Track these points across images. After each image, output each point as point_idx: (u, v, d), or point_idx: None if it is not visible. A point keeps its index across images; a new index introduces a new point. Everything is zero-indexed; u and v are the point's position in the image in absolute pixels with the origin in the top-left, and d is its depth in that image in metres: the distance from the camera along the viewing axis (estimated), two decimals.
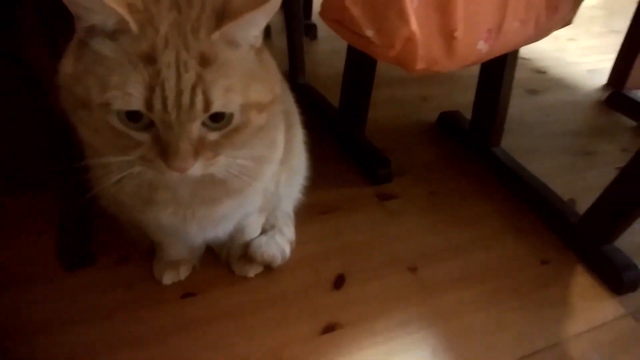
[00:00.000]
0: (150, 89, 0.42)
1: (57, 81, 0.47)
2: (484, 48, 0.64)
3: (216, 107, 0.44)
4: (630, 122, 1.41)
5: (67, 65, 0.45)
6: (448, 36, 0.59)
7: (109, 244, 0.85)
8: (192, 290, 0.78)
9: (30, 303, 0.76)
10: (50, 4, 1.08)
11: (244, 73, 0.46)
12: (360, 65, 1.02)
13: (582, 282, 0.85)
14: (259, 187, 0.64)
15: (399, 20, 0.55)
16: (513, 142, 1.20)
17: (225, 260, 0.82)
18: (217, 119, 0.46)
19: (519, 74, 1.64)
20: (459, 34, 0.59)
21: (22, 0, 0.91)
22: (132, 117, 0.44)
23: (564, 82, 1.65)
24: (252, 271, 0.80)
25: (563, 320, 0.78)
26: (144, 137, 0.45)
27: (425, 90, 1.49)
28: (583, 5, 0.82)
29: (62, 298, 0.76)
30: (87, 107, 0.44)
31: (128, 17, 0.41)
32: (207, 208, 0.59)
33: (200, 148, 0.46)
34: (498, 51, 0.68)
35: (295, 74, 1.42)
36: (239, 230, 0.76)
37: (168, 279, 0.78)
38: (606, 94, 1.54)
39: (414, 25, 0.55)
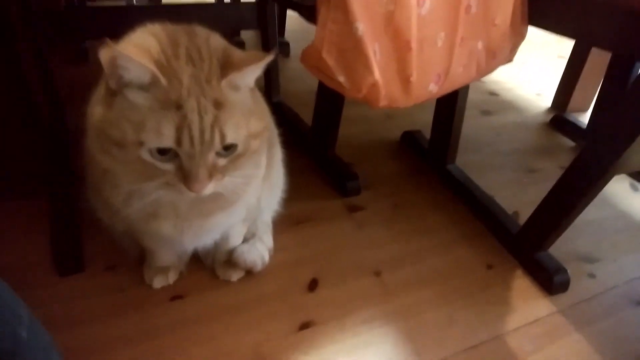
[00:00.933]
0: (179, 130, 0.52)
1: (84, 125, 0.57)
2: (434, 89, 0.77)
3: (229, 140, 0.55)
4: (570, 143, 1.58)
5: (97, 112, 0.55)
6: (405, 80, 0.72)
7: (97, 251, 0.92)
8: (180, 293, 0.86)
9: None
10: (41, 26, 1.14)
11: (245, 111, 0.58)
12: (331, 90, 1.13)
13: (521, 284, 0.98)
14: (246, 201, 0.74)
15: (365, 71, 0.67)
16: (467, 159, 1.33)
17: (210, 265, 0.91)
18: (227, 149, 0.57)
19: (475, 96, 1.81)
20: (413, 78, 0.72)
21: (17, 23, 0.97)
22: (161, 151, 0.54)
23: (514, 104, 1.82)
24: (235, 276, 0.89)
25: (503, 317, 0.90)
26: (169, 166, 0.55)
27: (387, 109, 1.62)
28: (536, 30, 0.94)
29: (56, 302, 0.82)
30: (121, 145, 0.53)
31: (159, 74, 0.51)
32: (201, 220, 0.69)
33: (213, 172, 0.57)
34: (446, 90, 0.82)
35: (270, 93, 1.51)
36: (224, 238, 0.85)
37: (158, 283, 0.86)
38: (550, 115, 1.71)
39: (376, 74, 0.67)
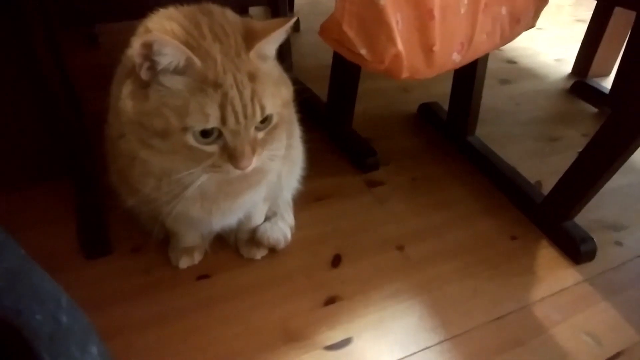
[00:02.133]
0: (223, 108, 0.52)
1: (109, 130, 0.56)
2: (458, 58, 0.75)
3: (268, 111, 0.56)
4: (592, 109, 1.54)
5: (130, 106, 0.54)
6: (428, 50, 0.70)
7: (122, 234, 0.93)
8: (206, 272, 0.87)
9: None
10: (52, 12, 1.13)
11: (275, 80, 0.58)
12: (346, 64, 1.11)
13: (546, 254, 0.97)
14: (271, 179, 0.74)
15: (388, 41, 0.65)
16: (487, 130, 1.31)
17: (233, 244, 0.91)
18: (264, 121, 0.57)
19: (492, 65, 1.76)
20: (436, 48, 0.69)
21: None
22: (205, 134, 0.54)
23: (532, 71, 1.77)
24: (259, 254, 0.90)
25: (529, 287, 0.90)
26: (214, 148, 0.56)
27: (406, 81, 1.59)
28: None
29: (85, 285, 0.84)
30: (165, 134, 0.53)
31: (193, 56, 0.50)
32: (229, 201, 0.69)
33: (255, 147, 0.57)
34: (469, 59, 0.79)
35: (283, 69, 1.49)
36: (246, 217, 0.85)
37: (184, 263, 0.87)
38: (571, 82, 1.66)
39: (399, 45, 0.65)
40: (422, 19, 0.67)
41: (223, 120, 0.53)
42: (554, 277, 0.92)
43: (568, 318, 0.85)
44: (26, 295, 0.33)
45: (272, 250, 0.91)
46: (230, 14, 0.59)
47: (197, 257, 0.88)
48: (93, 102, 1.00)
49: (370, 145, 1.20)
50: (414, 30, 0.67)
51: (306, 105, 1.35)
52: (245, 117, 0.54)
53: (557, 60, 1.86)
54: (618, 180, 1.16)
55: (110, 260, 0.89)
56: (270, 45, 0.57)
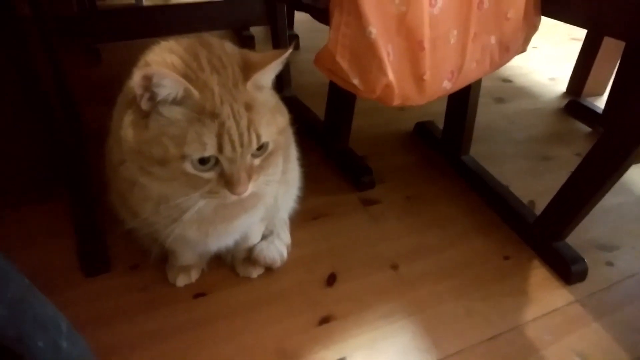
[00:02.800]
0: (220, 137, 0.54)
1: (110, 155, 0.59)
2: (448, 85, 0.77)
3: (264, 139, 0.58)
4: (586, 129, 1.56)
5: (131, 136, 0.56)
6: (418, 79, 0.72)
7: (120, 252, 0.94)
8: (203, 290, 0.89)
9: (57, 308, 0.85)
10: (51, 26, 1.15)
11: (271, 108, 0.60)
12: None
13: (538, 274, 0.98)
14: (265, 201, 0.75)
15: (379, 72, 0.68)
16: (481, 148, 1.33)
17: (230, 263, 0.93)
18: (260, 148, 0.59)
19: (488, 83, 1.79)
20: (427, 77, 0.72)
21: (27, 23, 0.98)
22: (203, 161, 0.56)
23: (527, 90, 1.80)
24: (255, 272, 0.91)
25: (521, 307, 0.91)
26: (211, 175, 0.58)
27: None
28: None
29: (84, 302, 0.85)
30: (164, 162, 0.55)
31: (191, 87, 0.53)
32: (226, 224, 0.71)
33: (251, 173, 0.59)
34: (460, 86, 0.82)
35: (282, 87, 1.52)
36: (243, 237, 0.87)
37: (181, 281, 0.88)
38: (565, 101, 1.68)
39: (390, 75, 0.68)
40: (412, 50, 0.70)
41: (220, 148, 0.55)
42: (546, 298, 0.93)
43: (559, 339, 0.86)
44: (29, 322, 0.34)
45: (269, 269, 0.92)
46: (229, 46, 0.61)
47: (194, 276, 0.90)
48: (95, 118, 1.02)
49: (366, 164, 1.22)
50: (405, 61, 0.70)
51: (304, 123, 1.38)
52: (242, 145, 0.56)
53: (552, 79, 1.89)
54: (610, 200, 1.18)
55: (109, 278, 0.90)
56: (266, 75, 0.59)
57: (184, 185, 0.58)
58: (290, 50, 0.58)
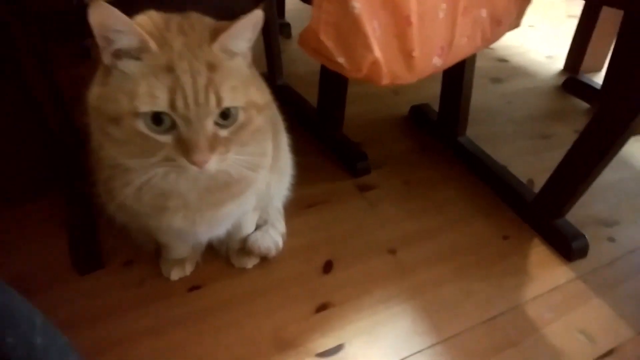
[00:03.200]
0: (173, 92, 0.51)
1: (85, 108, 0.57)
2: (439, 62, 0.75)
3: (226, 103, 0.54)
4: (584, 105, 1.54)
5: (94, 92, 0.55)
6: (407, 56, 0.70)
7: (114, 248, 0.93)
8: (198, 283, 0.88)
9: (51, 307, 0.82)
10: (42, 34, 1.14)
11: (243, 78, 0.57)
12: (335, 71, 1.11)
13: (538, 253, 0.97)
14: (255, 190, 0.74)
15: (364, 50, 0.65)
16: (479, 130, 1.31)
17: (224, 254, 0.92)
18: (226, 117, 0.56)
19: (484, 63, 1.77)
20: (416, 53, 0.70)
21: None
22: (156, 120, 0.53)
23: (524, 69, 1.77)
24: (250, 263, 0.90)
25: (522, 286, 0.90)
26: (167, 138, 0.54)
27: (391, 86, 1.59)
28: None
29: (79, 300, 0.84)
30: (117, 120, 0.53)
31: (148, 38, 0.51)
32: (213, 211, 0.69)
33: (214, 143, 0.55)
34: (451, 62, 0.79)
35: (274, 76, 1.50)
36: (237, 227, 0.86)
37: (175, 275, 0.87)
38: (563, 78, 1.66)
39: (377, 52, 0.65)
40: (399, 26, 0.67)
41: (172, 104, 0.51)
42: (547, 276, 0.92)
43: (561, 316, 0.85)
44: None
45: (264, 259, 0.91)
46: (208, 19, 0.59)
47: (189, 268, 0.89)
48: (84, 116, 1.01)
49: (362, 150, 1.21)
50: (392, 37, 0.68)
51: (297, 111, 1.36)
52: (197, 104, 0.52)
53: (549, 57, 1.86)
54: (610, 176, 1.16)
55: (103, 275, 0.90)
56: (235, 40, 0.56)
57: (140, 149, 0.54)
58: (260, 13, 0.55)
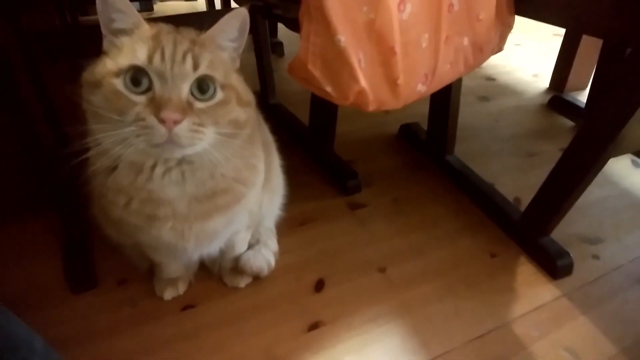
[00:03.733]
0: (153, 50, 0.56)
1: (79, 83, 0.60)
2: (423, 88, 0.78)
3: (202, 70, 0.57)
4: (569, 123, 1.58)
5: (87, 71, 0.59)
6: (392, 84, 0.73)
7: (108, 268, 0.94)
8: (191, 302, 0.89)
9: (44, 326, 0.82)
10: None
11: (226, 67, 0.62)
12: None
13: (525, 271, 0.99)
14: (245, 207, 0.75)
15: (351, 80, 0.69)
16: (466, 147, 1.34)
17: (217, 274, 0.93)
18: (204, 92, 0.58)
19: (472, 82, 1.81)
20: (400, 81, 0.73)
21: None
22: (135, 82, 0.56)
23: (511, 87, 1.81)
24: (243, 282, 0.91)
25: (509, 304, 0.92)
26: (141, 98, 0.56)
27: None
28: None
29: (72, 319, 0.85)
30: (99, 83, 0.56)
31: (143, 21, 0.58)
32: (201, 222, 0.69)
33: (188, 110, 0.56)
34: (435, 88, 0.83)
35: (267, 94, 1.53)
36: (229, 246, 0.87)
37: (169, 294, 0.88)
38: (549, 97, 1.70)
39: (362, 82, 0.69)
40: (384, 55, 0.70)
41: (149, 58, 0.55)
42: (533, 294, 0.94)
43: (547, 334, 0.86)
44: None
45: (256, 278, 0.92)
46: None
47: (182, 288, 0.90)
48: (79, 135, 1.02)
49: (352, 168, 1.23)
50: (377, 66, 0.71)
51: (289, 129, 1.39)
52: (173, 60, 0.55)
53: (535, 75, 1.91)
54: (593, 193, 1.20)
55: (96, 294, 0.90)
56: (221, 33, 0.61)
57: (115, 111, 0.55)
58: (244, 10, 0.60)
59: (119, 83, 0.55)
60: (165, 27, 0.60)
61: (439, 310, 0.90)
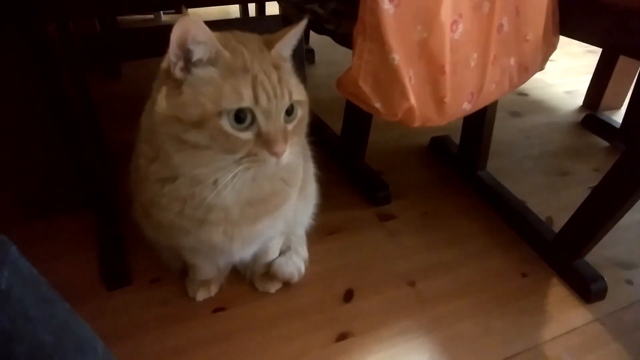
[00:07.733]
0: (255, 88, 0.56)
1: (146, 126, 0.62)
2: (468, 107, 0.78)
3: (294, 96, 0.60)
4: (603, 143, 1.55)
5: (163, 106, 0.58)
6: (439, 102, 0.73)
7: (142, 267, 0.96)
8: (222, 305, 0.90)
9: None
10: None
11: (295, 80, 0.63)
12: None
13: (557, 293, 0.98)
14: (285, 211, 0.76)
15: (401, 97, 0.69)
16: (498, 163, 1.33)
17: (249, 278, 0.94)
18: (290, 113, 0.61)
19: (504, 97, 1.77)
20: (447, 99, 0.73)
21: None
22: (238, 118, 0.57)
23: (543, 104, 1.79)
24: (274, 287, 0.92)
25: (540, 326, 0.90)
26: (248, 135, 0.58)
27: None
28: None
29: (106, 316, 0.87)
30: (200, 123, 0.56)
31: (221, 48, 0.56)
32: (250, 226, 0.71)
33: (286, 136, 0.60)
34: (479, 107, 0.83)
35: None
36: (263, 251, 0.88)
37: (201, 295, 0.90)
38: (582, 115, 1.67)
39: (412, 99, 0.69)
40: (434, 74, 0.71)
41: (256, 99, 0.56)
42: (565, 317, 0.93)
43: (579, 359, 0.85)
44: (70, 348, 0.35)
45: (287, 284, 0.93)
46: (251, 34, 0.65)
47: (214, 290, 0.91)
48: (116, 134, 1.04)
49: (382, 179, 1.23)
50: (426, 84, 0.71)
51: (320, 139, 1.38)
52: (276, 96, 0.57)
53: (568, 92, 1.88)
54: (630, 217, 1.16)
55: (130, 291, 0.92)
56: (287, 46, 0.63)
57: (222, 150, 0.58)
58: (304, 23, 0.62)
59: (225, 124, 0.56)
60: (240, 49, 0.59)
61: (468, 328, 0.89)
